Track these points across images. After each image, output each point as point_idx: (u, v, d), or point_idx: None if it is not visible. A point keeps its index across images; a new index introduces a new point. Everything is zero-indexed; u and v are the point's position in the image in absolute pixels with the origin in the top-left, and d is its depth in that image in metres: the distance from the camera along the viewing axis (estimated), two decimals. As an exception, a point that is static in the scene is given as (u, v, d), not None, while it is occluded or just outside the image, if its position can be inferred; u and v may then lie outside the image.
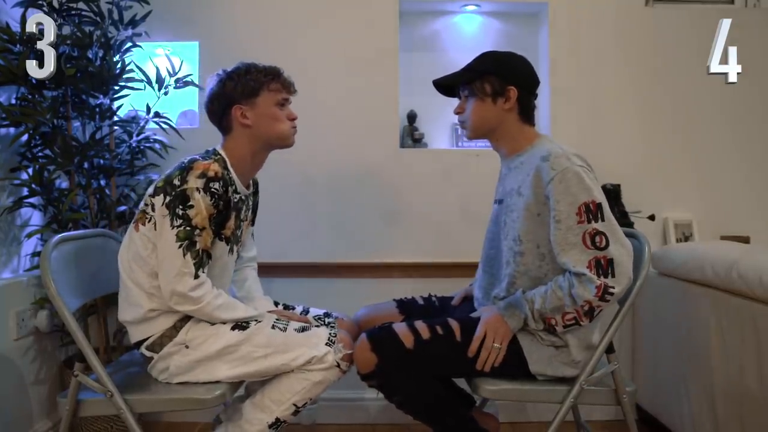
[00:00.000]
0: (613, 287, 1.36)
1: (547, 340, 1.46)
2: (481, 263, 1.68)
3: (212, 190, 1.43)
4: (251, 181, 1.66)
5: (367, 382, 1.49)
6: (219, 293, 1.47)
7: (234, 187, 1.53)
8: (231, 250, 1.58)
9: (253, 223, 1.77)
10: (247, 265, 1.80)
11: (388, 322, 1.54)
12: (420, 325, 1.47)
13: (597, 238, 1.37)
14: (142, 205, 1.50)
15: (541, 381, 1.48)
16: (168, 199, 1.43)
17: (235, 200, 1.54)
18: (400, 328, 1.47)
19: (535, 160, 1.47)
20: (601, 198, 1.40)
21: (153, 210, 1.46)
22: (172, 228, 1.41)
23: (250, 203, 1.68)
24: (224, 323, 1.48)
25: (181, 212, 1.41)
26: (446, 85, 1.63)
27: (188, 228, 1.41)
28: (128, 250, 1.51)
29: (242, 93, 1.54)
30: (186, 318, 1.49)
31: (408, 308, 1.75)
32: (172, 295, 1.41)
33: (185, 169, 1.44)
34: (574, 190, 1.38)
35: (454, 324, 1.48)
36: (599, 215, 1.38)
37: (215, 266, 1.53)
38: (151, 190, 1.49)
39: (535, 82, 1.58)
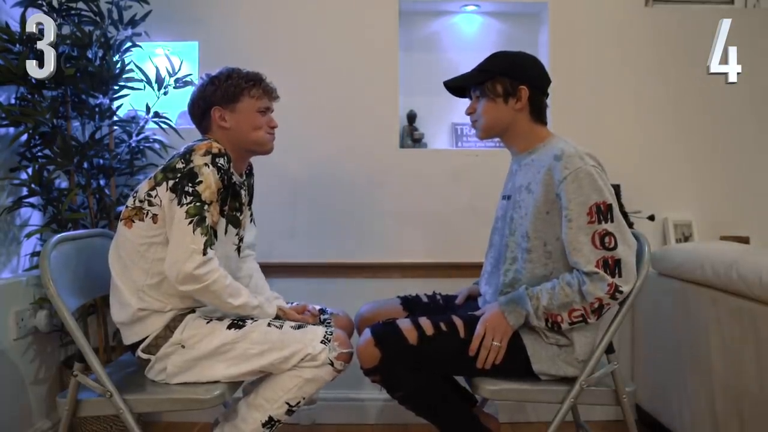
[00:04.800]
0: (621, 286, 1.38)
1: (552, 338, 1.46)
2: (488, 258, 1.68)
3: (218, 164, 1.46)
4: (245, 171, 1.70)
5: (370, 378, 1.50)
6: (227, 274, 1.47)
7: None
8: (229, 231, 1.59)
9: (250, 205, 1.78)
10: (248, 254, 1.80)
11: (392, 318, 1.54)
12: (424, 321, 1.48)
13: (606, 239, 1.39)
14: (132, 201, 1.50)
15: (541, 381, 1.48)
16: (172, 182, 1.44)
17: (233, 180, 1.57)
18: (404, 323, 1.48)
19: (547, 158, 1.47)
20: (612, 199, 1.42)
21: (151, 205, 1.46)
22: (181, 206, 1.42)
23: (246, 187, 1.70)
24: (229, 308, 1.48)
25: (190, 189, 1.42)
26: (456, 86, 1.64)
27: (198, 203, 1.42)
28: (118, 250, 1.51)
29: (222, 97, 1.57)
30: (180, 317, 1.50)
31: (412, 305, 1.75)
32: (179, 275, 1.40)
33: (187, 153, 1.46)
34: (587, 190, 1.40)
35: (458, 321, 1.49)
36: (609, 216, 1.40)
37: (217, 250, 1.52)
38: (144, 185, 1.49)
39: (546, 81, 1.58)
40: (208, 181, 1.43)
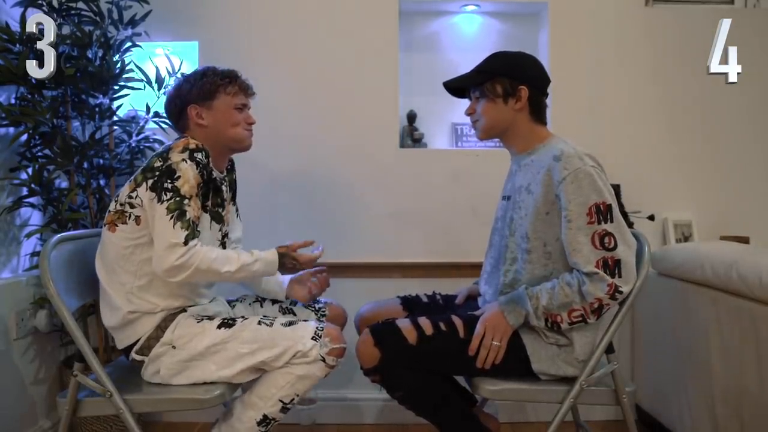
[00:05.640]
0: (621, 287, 1.38)
1: (551, 338, 1.46)
2: (488, 258, 1.68)
3: (197, 159, 1.46)
4: (226, 167, 1.70)
5: (370, 377, 1.50)
6: (210, 248, 1.47)
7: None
8: (212, 228, 1.59)
9: (234, 201, 1.77)
10: (234, 248, 1.79)
11: (391, 318, 1.54)
12: (423, 321, 1.48)
13: (606, 239, 1.39)
14: (114, 206, 1.50)
15: (541, 381, 1.48)
16: (152, 182, 1.44)
17: (213, 176, 1.57)
18: (404, 323, 1.48)
19: (547, 159, 1.48)
20: (611, 199, 1.42)
21: (132, 207, 1.46)
22: (161, 203, 1.42)
23: (227, 182, 1.70)
24: (231, 275, 1.48)
25: (169, 185, 1.43)
26: (455, 87, 1.64)
27: (177, 198, 1.42)
28: (104, 255, 1.51)
29: (198, 95, 1.58)
30: (171, 317, 1.50)
31: (412, 305, 1.75)
32: (164, 270, 1.40)
33: (164, 151, 1.47)
34: (586, 190, 1.40)
35: (457, 321, 1.49)
36: (609, 216, 1.40)
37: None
38: (125, 189, 1.49)
39: (545, 81, 1.58)
40: (187, 176, 1.44)
